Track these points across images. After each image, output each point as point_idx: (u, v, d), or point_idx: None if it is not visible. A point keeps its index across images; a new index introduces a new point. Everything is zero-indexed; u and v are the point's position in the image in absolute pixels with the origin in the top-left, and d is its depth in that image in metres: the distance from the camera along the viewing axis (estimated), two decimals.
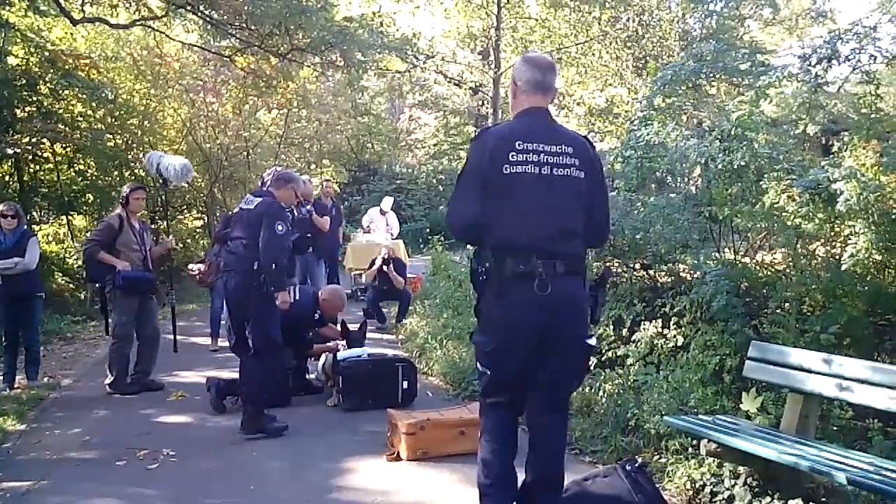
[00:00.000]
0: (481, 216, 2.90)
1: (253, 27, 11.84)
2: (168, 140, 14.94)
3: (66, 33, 13.14)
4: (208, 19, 11.91)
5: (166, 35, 13.73)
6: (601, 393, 5.04)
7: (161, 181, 7.58)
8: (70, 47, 12.84)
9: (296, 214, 7.66)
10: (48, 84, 11.70)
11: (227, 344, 6.68)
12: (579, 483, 3.51)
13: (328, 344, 6.29)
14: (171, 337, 7.34)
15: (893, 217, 4.35)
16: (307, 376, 6.31)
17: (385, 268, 9.24)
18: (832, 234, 4.92)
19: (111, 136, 12.98)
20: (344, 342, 6.28)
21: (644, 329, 5.30)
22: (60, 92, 11.93)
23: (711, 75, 7.35)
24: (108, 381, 6.38)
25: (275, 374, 5.39)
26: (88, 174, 13.07)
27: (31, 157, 11.86)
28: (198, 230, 16.09)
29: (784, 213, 4.80)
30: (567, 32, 19.21)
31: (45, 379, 6.97)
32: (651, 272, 6.22)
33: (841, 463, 3.08)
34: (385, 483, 4.20)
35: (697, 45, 8.28)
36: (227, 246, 5.29)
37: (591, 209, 2.97)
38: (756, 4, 21.54)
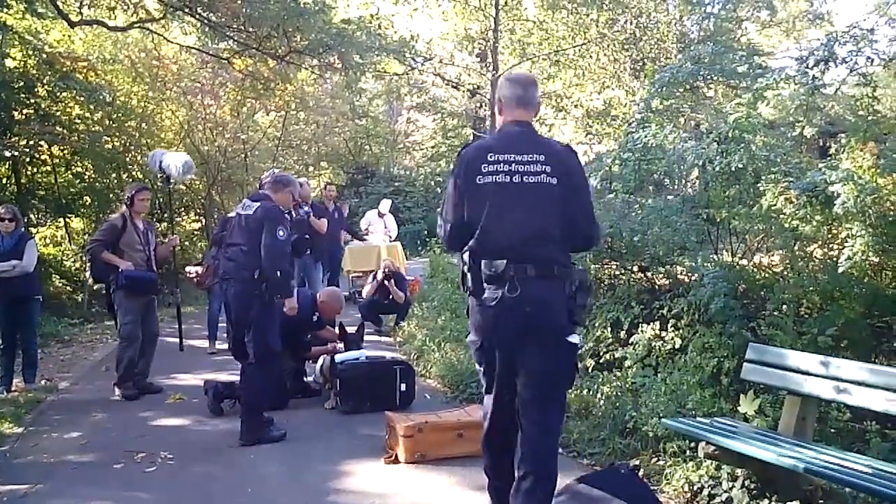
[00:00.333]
0: (463, 226, 3.11)
1: (251, 29, 11.83)
2: (166, 142, 14.93)
3: (63, 36, 13.14)
4: (206, 22, 11.90)
5: (164, 37, 13.72)
6: (599, 395, 5.04)
7: (164, 179, 7.58)
8: (68, 50, 12.84)
9: (293, 216, 7.65)
10: (46, 86, 11.71)
11: (225, 346, 6.69)
12: (572, 485, 3.49)
13: (326, 346, 6.29)
14: (174, 337, 7.33)
15: (890, 219, 4.36)
16: (305, 379, 6.29)
17: (386, 282, 9.11)
18: (829, 236, 4.93)
19: (109, 139, 13.00)
20: (342, 345, 6.28)
21: (642, 331, 5.30)
22: (58, 94, 11.94)
23: (709, 77, 7.38)
24: (115, 382, 6.35)
25: (274, 380, 5.37)
26: (86, 176, 13.09)
27: (28, 160, 11.88)
28: (196, 232, 16.09)
29: (781, 216, 4.81)
30: (565, 35, 19.20)
31: (43, 382, 6.96)
32: (649, 274, 6.23)
33: (839, 465, 3.09)
34: (383, 486, 4.20)
35: (695, 48, 8.31)
36: (224, 252, 5.20)
37: (568, 213, 3.08)
38: (753, 7, 21.57)
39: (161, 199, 12.26)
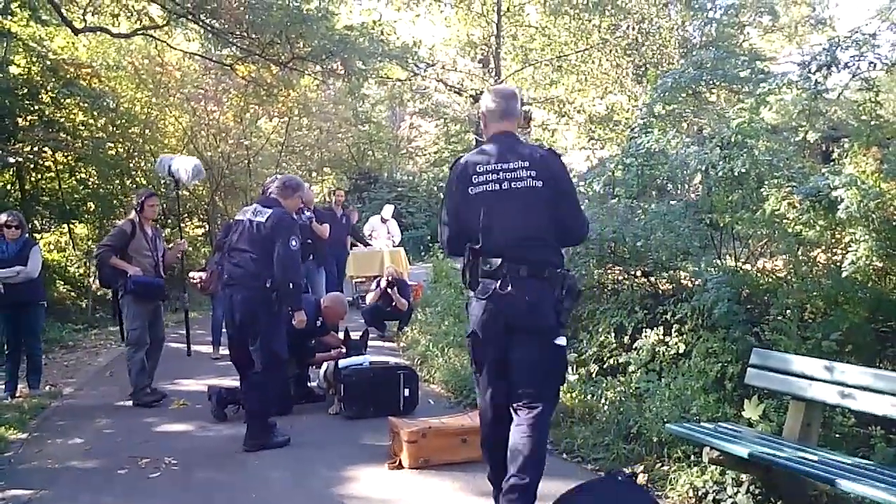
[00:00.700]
0: (460, 232, 3.40)
1: (254, 36, 11.87)
2: (169, 148, 14.93)
3: (67, 43, 13.18)
4: (209, 28, 11.94)
5: (167, 44, 13.77)
6: (603, 400, 5.04)
7: (173, 183, 7.59)
8: (72, 56, 12.89)
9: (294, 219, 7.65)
10: (50, 93, 11.73)
11: (228, 352, 6.69)
12: (569, 493, 3.47)
13: (331, 353, 6.26)
14: (177, 342, 7.32)
15: (894, 224, 4.36)
16: (309, 384, 6.30)
17: (389, 290, 9.10)
18: (833, 241, 4.93)
19: (112, 145, 13.01)
20: (345, 350, 6.27)
21: (646, 336, 5.29)
22: (62, 101, 11.96)
23: (711, 83, 7.38)
24: (130, 392, 6.30)
25: (278, 388, 5.36)
26: (90, 183, 13.10)
27: (32, 166, 11.90)
28: (199, 238, 16.10)
29: (785, 221, 4.81)
30: (567, 40, 19.25)
31: (47, 387, 6.97)
32: (652, 279, 6.22)
33: (843, 470, 3.08)
34: (387, 491, 4.20)
35: (697, 53, 8.33)
36: (230, 258, 5.10)
37: (557, 214, 3.33)
38: (755, 12, 21.63)
39: (164, 205, 12.28)
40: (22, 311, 6.53)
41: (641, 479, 4.10)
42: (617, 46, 18.71)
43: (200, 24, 11.86)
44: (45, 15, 10.98)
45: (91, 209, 13.09)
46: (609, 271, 6.57)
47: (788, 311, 4.57)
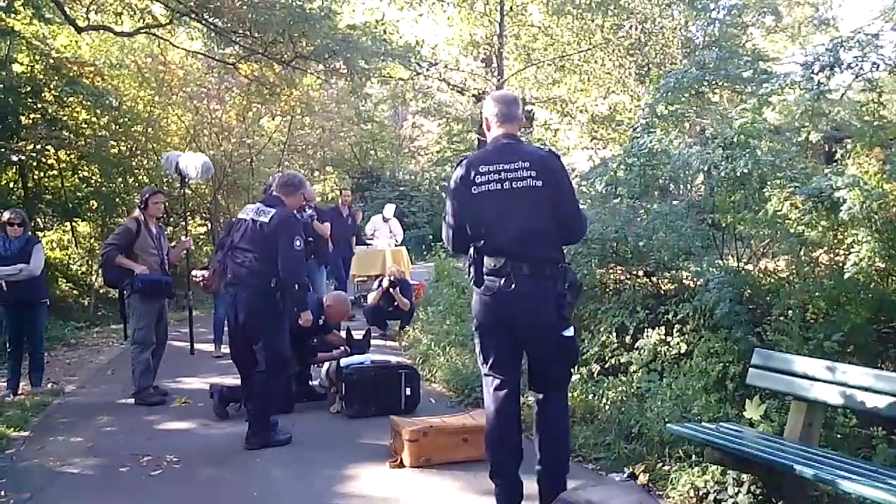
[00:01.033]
0: (464, 231, 3.50)
1: (257, 35, 11.86)
2: (172, 147, 14.94)
3: (70, 41, 13.21)
4: (212, 27, 11.94)
5: (170, 43, 13.78)
6: (605, 400, 5.04)
7: (179, 180, 7.60)
8: (74, 55, 12.91)
9: (298, 218, 7.66)
10: (53, 91, 11.76)
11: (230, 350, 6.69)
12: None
13: (333, 353, 6.26)
14: (178, 341, 7.32)
15: None
16: (311, 383, 6.30)
17: (391, 290, 9.09)
18: (835, 241, 4.93)
19: (115, 143, 13.03)
20: (349, 350, 6.27)
21: (647, 336, 5.30)
22: (65, 99, 11.99)
23: (714, 83, 7.38)
24: (132, 392, 6.29)
25: (281, 386, 5.37)
26: (93, 181, 13.13)
27: (35, 164, 11.92)
28: (201, 237, 16.12)
29: (787, 221, 4.81)
30: (570, 40, 19.22)
31: (49, 385, 6.99)
32: (654, 279, 6.22)
33: (845, 471, 3.08)
34: (388, 490, 4.20)
35: (700, 53, 8.31)
36: (233, 257, 5.06)
37: (558, 212, 3.44)
38: (759, 12, 21.60)
39: (167, 204, 12.29)
40: (24, 309, 6.54)
41: (642, 478, 4.11)
42: (620, 46, 18.68)
43: (203, 22, 11.85)
44: (49, 13, 10.99)
45: (94, 207, 13.11)
46: (611, 271, 6.58)
47: (790, 312, 4.57)
